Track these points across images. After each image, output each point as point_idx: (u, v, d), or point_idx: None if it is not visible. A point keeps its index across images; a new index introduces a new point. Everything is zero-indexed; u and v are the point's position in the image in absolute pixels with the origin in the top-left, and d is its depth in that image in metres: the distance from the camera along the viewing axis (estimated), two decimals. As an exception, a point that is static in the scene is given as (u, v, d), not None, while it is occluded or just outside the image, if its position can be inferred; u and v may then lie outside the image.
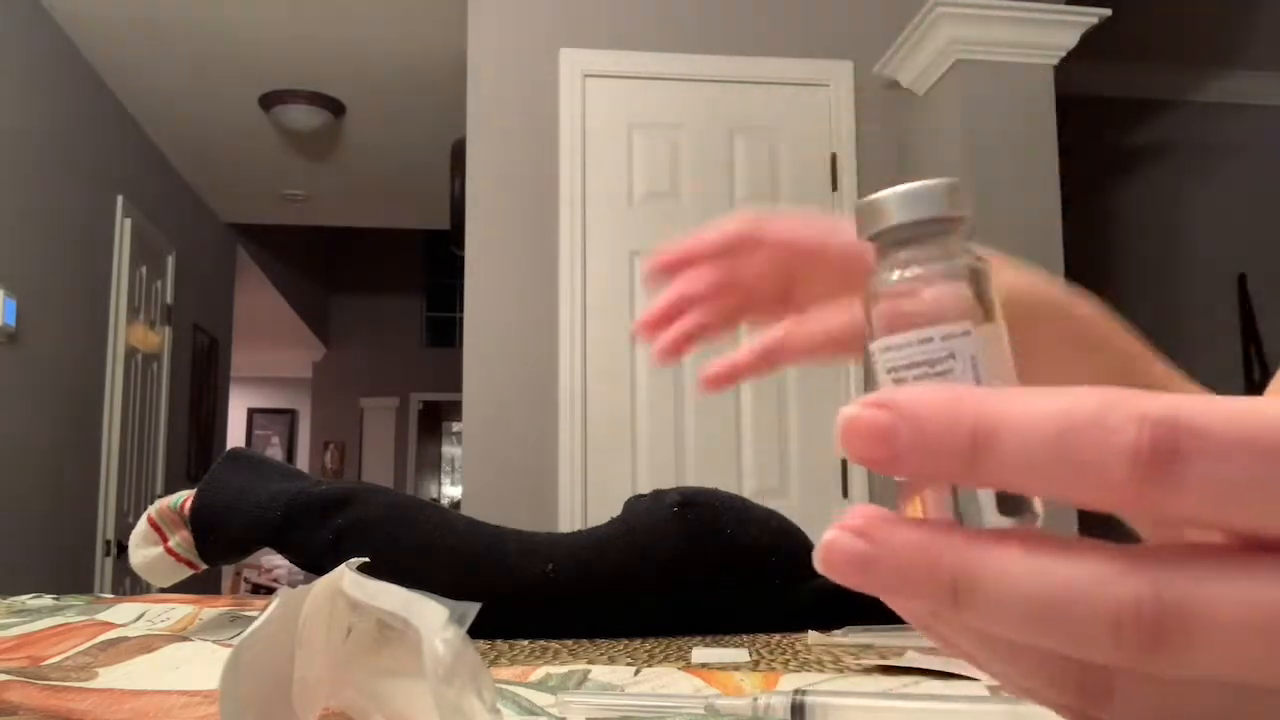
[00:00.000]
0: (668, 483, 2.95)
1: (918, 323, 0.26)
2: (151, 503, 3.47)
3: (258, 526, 0.73)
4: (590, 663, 0.50)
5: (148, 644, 0.54)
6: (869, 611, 0.65)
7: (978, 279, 0.26)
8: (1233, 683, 0.19)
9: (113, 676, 0.45)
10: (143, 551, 0.73)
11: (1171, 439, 0.18)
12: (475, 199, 3.10)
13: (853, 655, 0.51)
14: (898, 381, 0.26)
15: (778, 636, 0.68)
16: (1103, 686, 0.21)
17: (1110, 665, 0.20)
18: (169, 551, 0.73)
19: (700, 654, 0.51)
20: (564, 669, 0.49)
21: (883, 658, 0.47)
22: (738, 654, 0.51)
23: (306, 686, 0.33)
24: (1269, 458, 0.18)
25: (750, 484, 2.92)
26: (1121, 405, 0.19)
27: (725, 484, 2.94)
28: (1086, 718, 0.22)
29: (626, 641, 0.60)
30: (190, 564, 0.75)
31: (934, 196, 0.27)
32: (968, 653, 0.23)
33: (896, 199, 0.27)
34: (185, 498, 0.73)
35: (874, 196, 0.27)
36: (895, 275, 0.27)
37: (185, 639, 0.55)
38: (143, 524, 0.73)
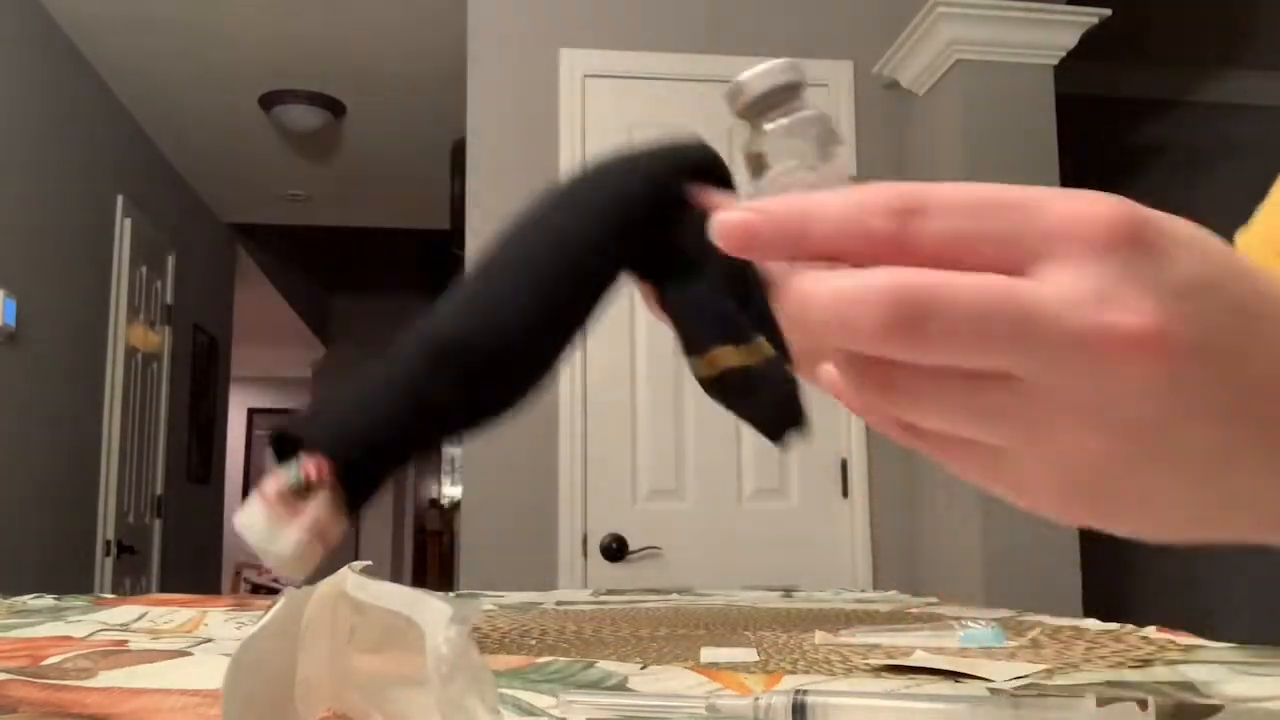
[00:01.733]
0: (669, 482, 2.96)
1: (775, 163, 0.35)
2: (153, 507, 3.36)
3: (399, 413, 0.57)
4: (598, 659, 0.50)
5: (149, 657, 0.53)
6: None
7: (822, 125, 0.36)
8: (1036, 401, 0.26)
9: (114, 676, 0.45)
10: (284, 537, 0.54)
11: (917, 199, 0.26)
12: (475, 199, 3.10)
13: (861, 655, 0.51)
14: None
15: (785, 636, 0.68)
16: (885, 378, 0.27)
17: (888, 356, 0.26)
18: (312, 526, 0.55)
19: (709, 654, 0.51)
20: (569, 659, 0.49)
21: (890, 658, 0.47)
22: (746, 653, 0.51)
23: (309, 688, 0.33)
24: (981, 210, 0.26)
25: (750, 484, 2.92)
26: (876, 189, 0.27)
27: (725, 483, 2.95)
28: (899, 428, 0.29)
29: (635, 642, 0.61)
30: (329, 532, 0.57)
31: (779, 69, 0.36)
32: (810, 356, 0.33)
33: (754, 76, 0.36)
34: (299, 466, 0.55)
35: (736, 80, 0.37)
36: (765, 127, 0.36)
37: (187, 654, 0.54)
38: (260, 508, 0.55)
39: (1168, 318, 0.25)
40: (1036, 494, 0.28)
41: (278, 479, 0.55)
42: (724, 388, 0.63)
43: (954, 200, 0.26)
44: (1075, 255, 0.26)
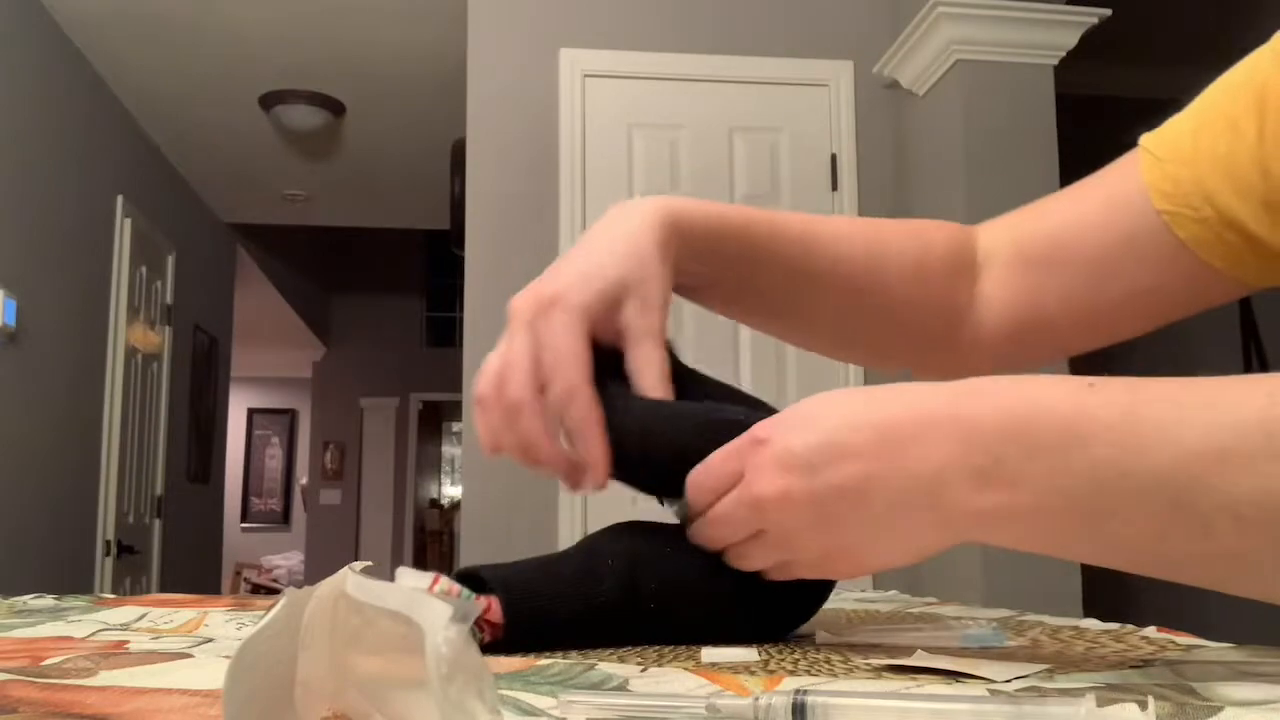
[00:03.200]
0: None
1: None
2: (153, 507, 3.35)
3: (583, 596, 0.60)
4: (598, 661, 0.50)
5: (150, 657, 0.54)
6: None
7: None
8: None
9: (114, 676, 0.45)
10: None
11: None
12: (475, 198, 3.10)
13: (861, 655, 0.51)
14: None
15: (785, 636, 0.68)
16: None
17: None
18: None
19: (709, 654, 0.52)
20: (569, 661, 0.49)
21: (890, 658, 0.47)
22: (746, 653, 0.52)
23: (309, 689, 0.33)
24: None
25: (750, 484, 2.92)
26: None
27: (725, 484, 2.95)
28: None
29: (635, 643, 0.61)
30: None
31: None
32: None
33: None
34: (474, 596, 0.57)
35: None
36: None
37: (188, 654, 0.55)
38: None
39: (785, 481, 0.50)
40: (798, 570, 0.54)
41: (454, 589, 0.56)
42: None
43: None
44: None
